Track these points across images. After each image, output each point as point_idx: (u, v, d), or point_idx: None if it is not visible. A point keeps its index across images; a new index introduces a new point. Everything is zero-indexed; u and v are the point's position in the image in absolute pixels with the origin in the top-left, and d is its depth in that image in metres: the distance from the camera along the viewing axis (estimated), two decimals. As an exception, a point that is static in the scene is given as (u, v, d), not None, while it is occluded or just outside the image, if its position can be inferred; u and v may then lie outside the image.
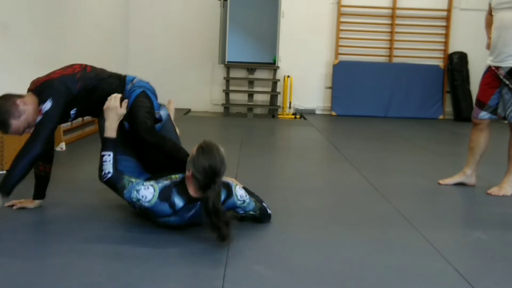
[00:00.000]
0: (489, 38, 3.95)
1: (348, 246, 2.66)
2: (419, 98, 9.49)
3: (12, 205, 3.02)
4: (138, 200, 2.58)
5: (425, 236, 2.81)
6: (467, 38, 9.38)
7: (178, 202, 2.59)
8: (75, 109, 2.97)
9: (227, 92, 9.32)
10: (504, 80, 3.73)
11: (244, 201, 2.76)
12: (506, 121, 3.83)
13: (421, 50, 9.53)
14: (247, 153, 5.21)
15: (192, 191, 2.61)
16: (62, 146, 4.92)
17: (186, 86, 9.55)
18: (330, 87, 9.60)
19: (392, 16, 9.52)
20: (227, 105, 9.28)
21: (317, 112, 9.73)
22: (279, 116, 9.19)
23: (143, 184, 2.61)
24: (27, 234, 2.70)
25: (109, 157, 2.72)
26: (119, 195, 2.78)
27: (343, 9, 9.50)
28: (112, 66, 3.26)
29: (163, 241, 2.59)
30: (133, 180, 2.68)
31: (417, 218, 3.15)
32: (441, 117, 9.53)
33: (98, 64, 3.25)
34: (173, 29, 9.59)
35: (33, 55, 5.33)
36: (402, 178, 4.34)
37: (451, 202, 3.70)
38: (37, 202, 3.05)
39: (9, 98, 2.79)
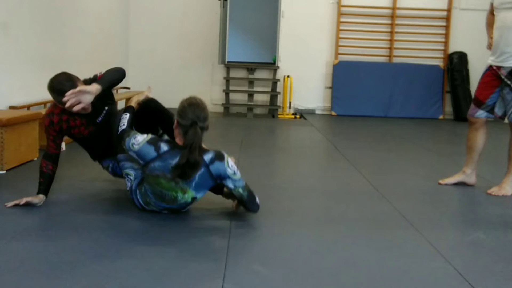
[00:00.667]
0: (490, 38, 3.94)
1: (348, 246, 2.66)
2: (419, 98, 9.49)
3: (15, 204, 3.03)
4: (133, 144, 2.90)
5: (425, 236, 2.81)
6: (467, 38, 9.38)
7: (163, 146, 2.88)
8: (107, 107, 3.25)
9: (227, 92, 9.32)
10: (506, 80, 3.72)
11: (234, 173, 2.91)
12: (504, 121, 3.83)
13: (421, 50, 9.53)
14: (247, 153, 5.20)
15: (178, 140, 2.88)
16: (62, 146, 4.92)
17: (186, 86, 9.51)
18: (330, 87, 9.60)
19: (392, 16, 9.52)
20: (227, 105, 9.28)
21: (317, 112, 9.74)
22: (279, 116, 9.18)
23: (141, 134, 2.95)
24: (28, 234, 2.70)
25: (126, 115, 3.12)
26: (122, 147, 3.04)
27: (343, 9, 9.50)
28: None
29: (162, 241, 2.60)
30: (138, 134, 2.95)
31: (417, 218, 3.15)
32: (441, 117, 9.53)
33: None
34: (173, 29, 9.59)
35: (33, 55, 5.33)
36: (402, 178, 4.34)
37: (451, 202, 3.70)
38: (41, 196, 3.09)
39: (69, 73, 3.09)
